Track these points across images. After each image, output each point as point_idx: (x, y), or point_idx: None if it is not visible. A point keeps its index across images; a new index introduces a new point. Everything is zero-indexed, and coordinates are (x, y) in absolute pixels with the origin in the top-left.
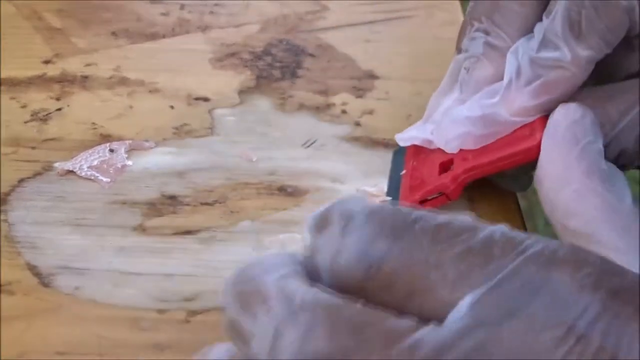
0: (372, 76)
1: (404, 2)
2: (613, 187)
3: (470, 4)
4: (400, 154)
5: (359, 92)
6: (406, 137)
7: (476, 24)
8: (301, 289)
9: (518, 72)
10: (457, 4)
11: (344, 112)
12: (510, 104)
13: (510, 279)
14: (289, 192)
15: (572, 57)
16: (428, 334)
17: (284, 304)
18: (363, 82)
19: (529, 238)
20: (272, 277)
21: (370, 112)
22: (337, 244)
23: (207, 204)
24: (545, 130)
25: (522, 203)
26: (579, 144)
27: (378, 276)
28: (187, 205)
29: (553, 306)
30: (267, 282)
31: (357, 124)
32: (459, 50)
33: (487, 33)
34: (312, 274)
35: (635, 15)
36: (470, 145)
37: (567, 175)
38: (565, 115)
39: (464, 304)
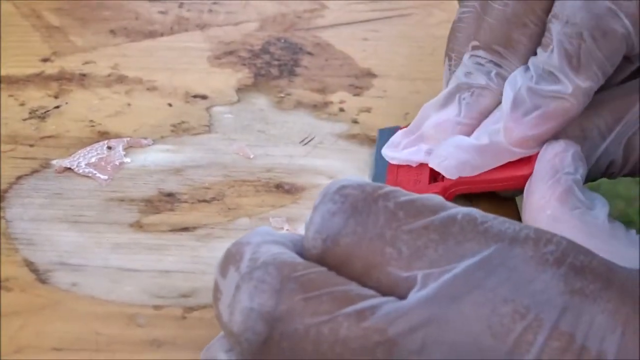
0: (369, 74)
1: (402, 0)
2: (587, 209)
3: (466, 21)
4: (389, 132)
5: (357, 90)
6: (398, 158)
7: (482, 52)
8: (269, 252)
9: (516, 103)
10: (455, 3)
11: (341, 110)
12: (510, 133)
13: (468, 255)
14: (286, 190)
15: (573, 89)
16: (381, 302)
17: (250, 263)
18: (361, 80)
19: (495, 219)
20: (253, 241)
21: (368, 110)
22: (309, 218)
23: (204, 201)
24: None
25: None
26: (556, 175)
27: (335, 250)
28: (185, 202)
29: (512, 282)
30: (246, 246)
31: (355, 122)
32: (449, 57)
33: (498, 64)
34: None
35: (632, 39)
36: (468, 173)
37: (543, 203)
38: (549, 150)
39: (419, 280)
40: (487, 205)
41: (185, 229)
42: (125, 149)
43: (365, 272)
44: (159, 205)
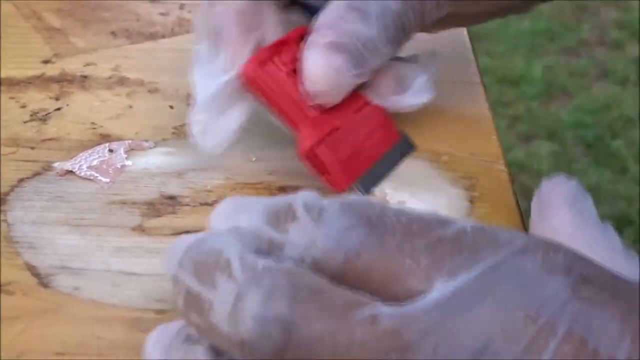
0: None
1: None
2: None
3: None
4: None
5: None
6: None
7: None
8: (262, 260)
9: None
10: None
11: None
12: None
13: (481, 264)
14: (288, 192)
15: None
16: (392, 307)
17: (247, 270)
18: None
19: (502, 230)
20: (232, 249)
21: None
22: (311, 235)
23: (206, 204)
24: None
25: (522, 203)
26: (572, 200)
27: (355, 265)
28: (186, 205)
29: (524, 288)
30: (227, 254)
31: None
32: None
33: None
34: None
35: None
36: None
37: (562, 223)
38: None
39: (435, 288)
40: (487, 206)
41: (187, 233)
42: (126, 152)
43: (382, 286)
44: (161, 208)
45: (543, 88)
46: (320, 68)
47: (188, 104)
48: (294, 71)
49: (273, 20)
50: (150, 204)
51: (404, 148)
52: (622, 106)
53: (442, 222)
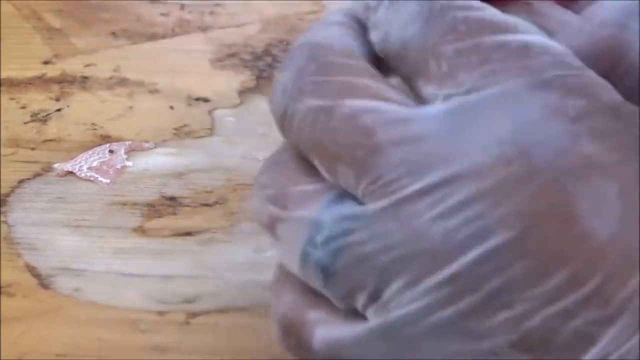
0: None
1: None
2: None
3: None
4: None
5: None
6: None
7: None
8: (319, 33)
9: None
10: None
11: None
12: None
13: (493, 85)
14: None
15: None
16: (388, 106)
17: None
18: None
19: (558, 56)
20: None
21: None
22: (386, 19)
23: (207, 205)
24: None
25: None
26: None
27: (390, 47)
28: (187, 206)
29: (517, 123)
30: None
31: None
32: None
33: None
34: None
35: None
36: None
37: None
38: None
39: (438, 98)
40: None
41: (188, 234)
42: (127, 153)
43: (410, 78)
44: (162, 210)
45: None
46: None
47: (188, 105)
48: None
49: None
50: (150, 205)
51: None
52: None
53: (494, 28)
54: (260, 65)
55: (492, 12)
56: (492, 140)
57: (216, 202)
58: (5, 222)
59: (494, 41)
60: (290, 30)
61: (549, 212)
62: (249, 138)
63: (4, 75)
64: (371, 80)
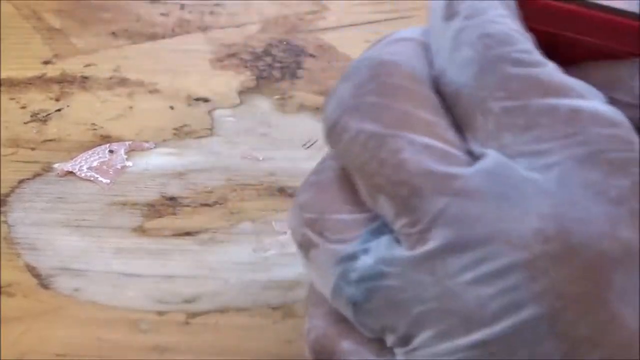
0: None
1: (405, 2)
2: None
3: None
4: None
5: None
6: None
7: None
8: (385, 50)
9: None
10: None
11: None
12: None
13: (535, 154)
14: (289, 193)
15: None
16: (442, 149)
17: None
18: None
19: (600, 125)
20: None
21: None
22: (450, 47)
23: (207, 205)
24: None
25: None
26: None
27: (445, 90)
28: (187, 206)
29: (557, 201)
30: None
31: None
32: None
33: None
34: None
35: None
36: None
37: None
38: None
39: (483, 158)
40: None
41: (188, 234)
42: (127, 153)
43: (456, 121)
44: (161, 210)
45: None
46: None
47: (188, 105)
48: None
49: None
50: (150, 205)
51: None
52: None
53: (544, 91)
54: (260, 65)
55: (548, 71)
56: (533, 213)
57: (216, 202)
58: (5, 222)
59: (543, 104)
60: (290, 30)
61: (582, 296)
62: (249, 138)
63: (4, 75)
64: (430, 113)
